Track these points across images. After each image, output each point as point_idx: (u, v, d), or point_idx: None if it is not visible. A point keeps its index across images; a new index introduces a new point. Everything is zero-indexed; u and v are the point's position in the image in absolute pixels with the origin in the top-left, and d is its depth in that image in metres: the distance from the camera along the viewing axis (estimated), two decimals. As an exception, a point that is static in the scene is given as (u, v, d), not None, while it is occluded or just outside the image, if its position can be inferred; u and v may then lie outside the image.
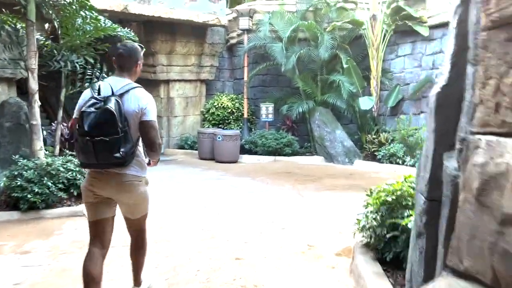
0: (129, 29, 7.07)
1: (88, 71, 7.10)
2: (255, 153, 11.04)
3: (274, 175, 8.79)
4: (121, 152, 2.40)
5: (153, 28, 11.31)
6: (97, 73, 7.25)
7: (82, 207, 5.29)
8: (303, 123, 11.93)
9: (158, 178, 7.41)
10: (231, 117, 12.06)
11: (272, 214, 5.68)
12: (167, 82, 12.11)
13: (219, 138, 10.49)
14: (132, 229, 2.84)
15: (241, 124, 12.08)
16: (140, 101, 2.52)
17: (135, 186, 2.60)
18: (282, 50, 10.74)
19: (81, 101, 2.58)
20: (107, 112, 2.35)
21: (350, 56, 10.83)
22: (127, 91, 2.52)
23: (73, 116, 2.61)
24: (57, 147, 6.73)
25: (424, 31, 9.93)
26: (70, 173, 5.67)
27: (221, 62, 13.10)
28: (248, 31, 11.66)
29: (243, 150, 11.05)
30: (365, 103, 10.19)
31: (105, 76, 6.95)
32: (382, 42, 10.64)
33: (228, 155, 10.49)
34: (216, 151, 10.61)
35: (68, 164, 5.80)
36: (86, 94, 2.59)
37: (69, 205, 5.58)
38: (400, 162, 9.41)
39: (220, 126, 12.13)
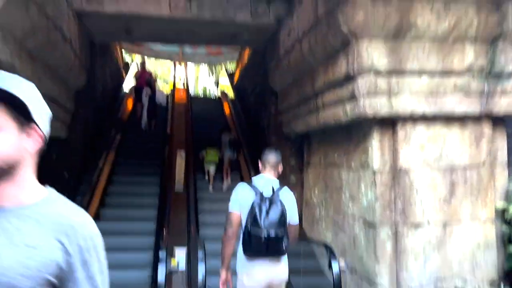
0: None
1: None
2: None
3: None
4: (285, 247, 2.83)
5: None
6: None
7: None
8: None
9: None
10: None
11: None
12: (389, 124, 4.14)
13: None
14: None
15: None
16: (291, 202, 2.94)
17: (287, 267, 3.05)
18: None
19: (241, 196, 2.88)
20: (279, 212, 2.77)
21: None
22: (280, 190, 2.91)
23: (232, 211, 2.88)
24: None
25: None
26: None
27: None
28: None
29: None
30: None
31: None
32: None
33: None
34: None
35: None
36: (246, 188, 2.90)
37: None
38: None
39: None
